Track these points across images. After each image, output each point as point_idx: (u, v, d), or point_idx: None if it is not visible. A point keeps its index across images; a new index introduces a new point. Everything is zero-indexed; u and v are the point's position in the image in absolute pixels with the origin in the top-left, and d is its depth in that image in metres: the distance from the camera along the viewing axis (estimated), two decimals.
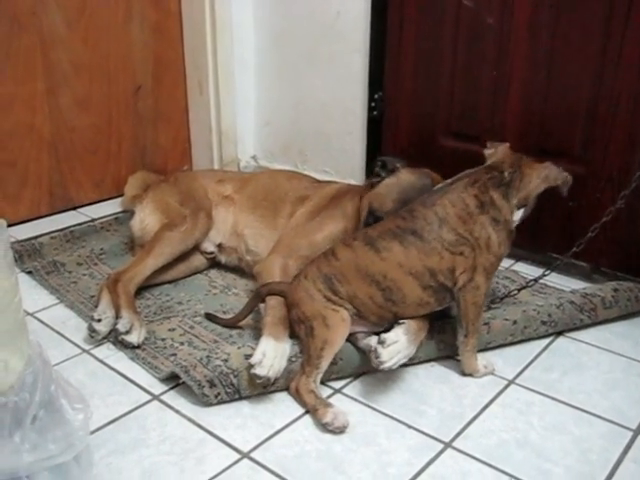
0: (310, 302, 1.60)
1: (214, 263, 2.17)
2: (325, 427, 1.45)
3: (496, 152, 1.71)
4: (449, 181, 1.66)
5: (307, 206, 2.04)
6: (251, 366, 1.50)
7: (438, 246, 1.56)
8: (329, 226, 1.92)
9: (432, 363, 1.68)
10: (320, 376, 1.55)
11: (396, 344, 1.52)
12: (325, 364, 1.55)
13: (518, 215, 1.66)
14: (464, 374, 1.64)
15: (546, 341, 1.78)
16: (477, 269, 1.57)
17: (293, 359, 1.58)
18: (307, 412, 1.51)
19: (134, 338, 1.71)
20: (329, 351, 1.55)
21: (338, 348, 1.57)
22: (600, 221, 1.87)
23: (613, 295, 1.85)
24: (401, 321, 1.58)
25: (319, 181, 2.23)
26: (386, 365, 1.50)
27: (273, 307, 1.67)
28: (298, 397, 1.54)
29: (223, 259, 2.14)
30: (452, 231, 1.56)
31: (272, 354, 1.53)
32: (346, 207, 1.94)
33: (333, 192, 2.06)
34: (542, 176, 1.65)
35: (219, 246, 2.13)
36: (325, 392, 1.57)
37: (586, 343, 1.78)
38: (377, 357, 1.50)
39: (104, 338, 1.76)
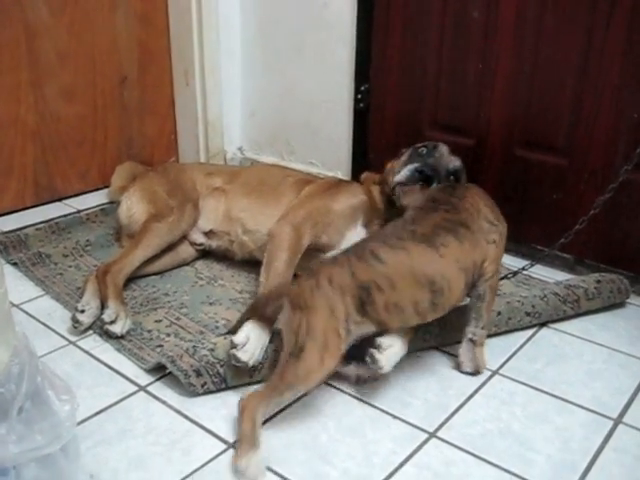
0: (325, 316, 1.38)
1: (201, 255, 2.17)
2: (233, 469, 1.32)
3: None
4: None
5: (315, 184, 2.07)
6: (233, 345, 1.50)
7: (480, 237, 1.54)
8: (346, 196, 1.96)
9: (418, 354, 1.69)
10: (275, 408, 1.44)
11: (392, 348, 1.52)
12: (290, 399, 1.43)
13: None
14: (478, 372, 1.62)
15: (530, 332, 1.80)
16: (499, 257, 1.59)
17: (278, 348, 1.58)
18: (294, 402, 1.51)
19: (117, 328, 1.72)
20: (304, 387, 1.39)
21: (313, 388, 1.43)
22: (588, 214, 1.89)
23: (596, 287, 1.87)
24: None
25: (310, 174, 2.29)
26: (384, 370, 1.50)
27: (268, 287, 1.67)
28: (239, 416, 1.36)
29: (214, 244, 2.13)
30: (485, 219, 1.57)
31: (255, 342, 1.53)
32: (357, 188, 2.01)
33: (338, 180, 2.14)
34: None
35: (209, 232, 2.12)
36: None
37: (569, 334, 1.80)
38: (374, 362, 1.48)
39: (87, 329, 1.76)
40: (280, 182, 2.11)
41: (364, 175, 2.11)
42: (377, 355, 1.49)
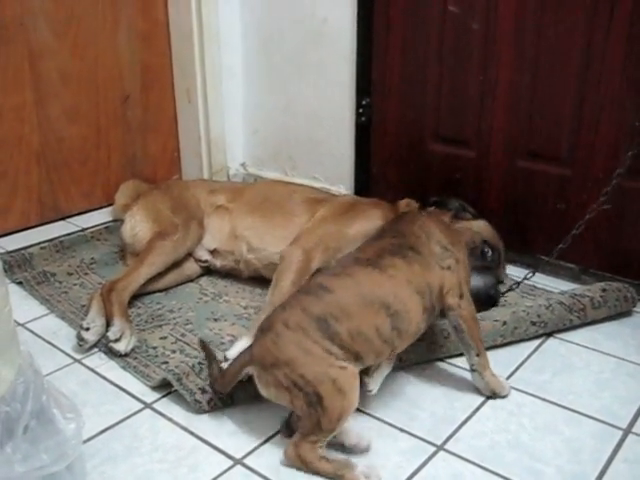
0: (309, 361, 1.32)
1: (205, 271, 2.17)
2: None
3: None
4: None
5: (330, 205, 2.04)
6: (225, 359, 1.51)
7: (432, 260, 1.50)
8: (361, 222, 1.93)
9: (423, 366, 1.68)
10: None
11: (378, 370, 1.52)
12: (338, 431, 1.36)
13: None
14: (495, 396, 1.57)
15: (536, 342, 1.79)
16: (462, 283, 1.53)
17: None
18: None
19: (122, 346, 1.72)
20: (346, 419, 1.34)
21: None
22: (584, 219, 1.90)
23: (602, 295, 1.87)
24: None
25: (317, 189, 2.30)
26: (374, 392, 1.51)
27: (272, 304, 1.67)
28: (305, 467, 1.33)
29: (218, 263, 2.13)
30: (438, 244, 1.53)
31: (384, 370, 1.54)
32: (374, 212, 1.97)
33: (352, 199, 2.11)
34: None
35: (214, 251, 2.12)
36: None
37: (576, 344, 1.79)
38: (363, 386, 1.45)
39: (92, 347, 1.76)
40: (286, 200, 2.11)
41: (405, 201, 2.06)
42: (366, 379, 1.50)
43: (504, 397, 1.57)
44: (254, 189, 2.25)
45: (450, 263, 1.52)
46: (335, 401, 1.31)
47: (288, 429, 1.44)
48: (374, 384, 1.51)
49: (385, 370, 1.54)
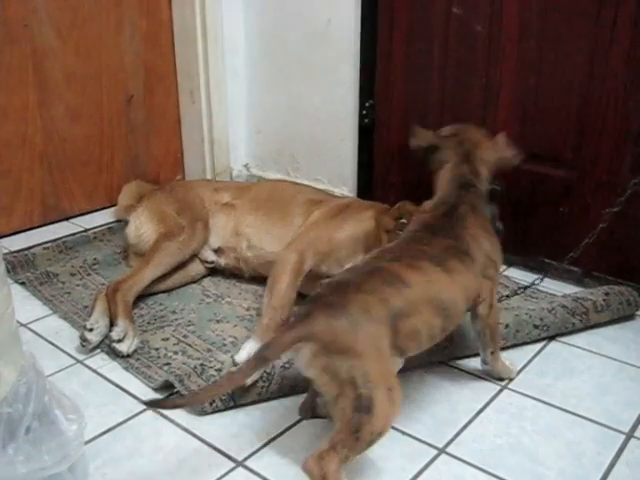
0: (377, 360, 1.22)
1: (210, 272, 2.17)
2: None
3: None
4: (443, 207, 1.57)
5: (325, 207, 2.04)
6: (234, 363, 1.50)
7: (478, 268, 1.47)
8: (351, 226, 1.93)
9: (425, 369, 1.68)
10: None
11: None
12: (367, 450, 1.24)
13: None
14: (502, 379, 1.65)
15: (539, 346, 1.79)
16: (493, 294, 1.54)
17: (286, 365, 1.58)
18: (302, 419, 1.51)
19: (124, 347, 1.72)
20: (383, 435, 1.22)
21: None
22: (597, 227, 1.91)
23: (605, 299, 1.86)
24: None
25: (322, 190, 2.29)
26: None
27: (274, 308, 1.67)
28: None
29: (222, 262, 2.13)
30: (485, 254, 1.50)
31: None
32: (365, 214, 1.96)
33: (349, 202, 2.09)
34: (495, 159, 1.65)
35: (218, 249, 2.12)
36: None
37: (578, 347, 1.79)
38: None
39: (95, 347, 1.76)
40: (289, 200, 2.11)
41: (399, 204, 1.99)
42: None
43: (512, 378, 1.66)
44: (260, 187, 2.26)
45: (491, 273, 1.51)
46: (384, 411, 1.20)
47: (308, 411, 1.45)
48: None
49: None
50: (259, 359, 1.22)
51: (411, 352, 1.35)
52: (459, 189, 1.59)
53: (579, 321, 1.82)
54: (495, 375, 1.66)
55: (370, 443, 1.21)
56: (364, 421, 1.18)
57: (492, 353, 1.61)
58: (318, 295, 1.28)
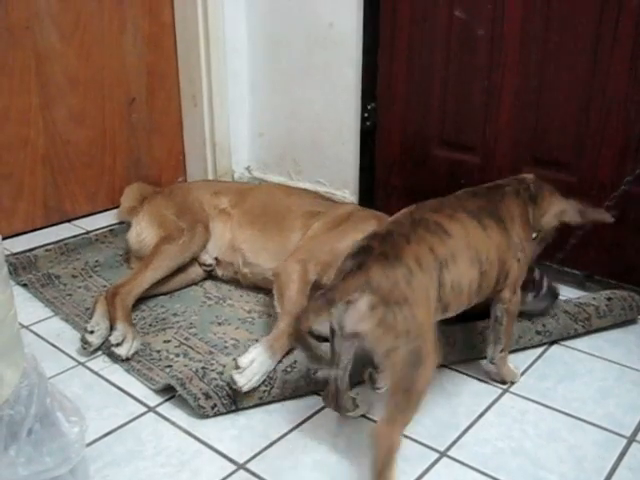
0: (426, 308, 1.22)
1: (210, 275, 2.16)
2: None
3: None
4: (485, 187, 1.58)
5: (325, 219, 2.01)
6: (236, 366, 1.50)
7: (511, 243, 1.47)
8: (352, 237, 1.87)
9: None
10: None
11: (253, 364, 1.52)
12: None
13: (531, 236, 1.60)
14: (504, 383, 1.64)
15: (540, 349, 1.79)
16: (517, 282, 1.53)
17: (288, 369, 1.58)
18: (303, 422, 1.51)
19: (123, 351, 1.71)
20: (426, 393, 1.24)
21: None
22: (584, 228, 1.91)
23: (607, 304, 1.86)
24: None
25: (320, 195, 2.26)
26: (383, 389, 1.49)
27: (289, 313, 1.66)
28: (383, 457, 1.20)
29: (220, 273, 2.14)
30: (517, 233, 1.49)
31: (258, 368, 1.53)
32: (367, 224, 1.89)
33: (349, 211, 2.04)
34: (558, 210, 1.60)
35: (216, 260, 2.13)
36: (320, 402, 1.56)
37: (580, 351, 1.79)
38: (373, 382, 1.48)
39: (96, 350, 1.76)
40: (285, 214, 2.07)
41: None
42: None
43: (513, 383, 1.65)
44: (256, 194, 2.21)
45: (521, 257, 1.51)
46: (431, 362, 1.21)
47: (332, 401, 1.44)
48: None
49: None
50: (328, 300, 1.19)
51: (451, 310, 1.36)
52: (516, 182, 1.59)
53: (581, 327, 1.82)
54: (498, 378, 1.65)
55: (421, 398, 1.22)
56: (415, 374, 1.19)
57: (501, 351, 1.60)
58: (367, 246, 1.27)
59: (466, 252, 1.34)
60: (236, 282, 2.13)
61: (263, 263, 2.02)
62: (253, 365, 1.52)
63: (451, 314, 1.40)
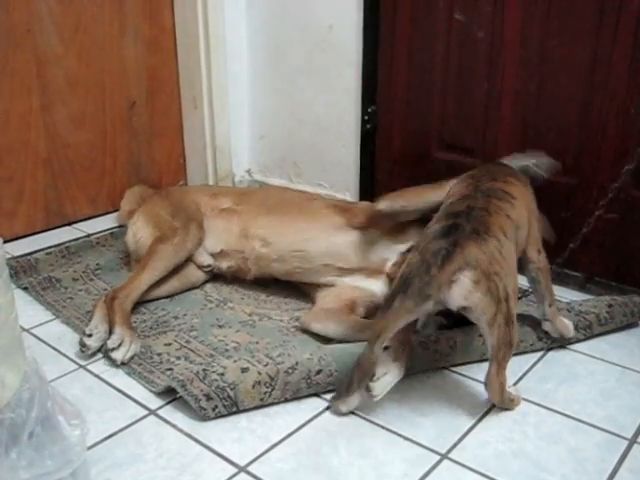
0: (515, 274, 1.42)
1: (210, 277, 2.16)
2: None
3: None
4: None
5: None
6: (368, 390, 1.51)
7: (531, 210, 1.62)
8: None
9: (428, 374, 1.68)
10: None
11: (386, 376, 1.52)
12: None
13: None
14: (562, 338, 1.75)
15: (541, 351, 1.79)
16: (539, 240, 1.65)
17: (290, 371, 1.58)
18: (304, 424, 1.50)
19: (119, 355, 1.71)
20: None
21: None
22: (581, 232, 1.96)
23: (608, 311, 1.84)
24: (385, 347, 1.55)
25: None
26: (378, 398, 1.51)
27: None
28: (500, 394, 1.50)
29: (224, 265, 2.11)
30: (527, 205, 1.60)
31: (391, 378, 1.54)
32: None
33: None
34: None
35: (220, 253, 2.10)
36: (321, 405, 1.57)
37: (581, 353, 1.79)
38: (368, 390, 1.49)
39: (95, 353, 1.76)
40: (307, 205, 2.10)
41: None
42: (371, 384, 1.49)
43: (570, 339, 1.76)
44: (262, 193, 2.25)
45: (539, 218, 1.67)
46: (514, 316, 1.40)
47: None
48: (379, 389, 1.50)
49: (393, 378, 1.53)
50: (423, 296, 1.34)
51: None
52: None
53: (583, 335, 1.81)
54: (556, 334, 1.73)
55: (515, 347, 1.46)
56: (512, 331, 1.40)
57: (550, 305, 1.69)
58: (455, 224, 1.39)
59: (525, 211, 1.52)
60: (241, 274, 2.10)
61: (288, 237, 2.00)
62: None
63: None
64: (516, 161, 1.80)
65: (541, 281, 1.66)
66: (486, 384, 1.50)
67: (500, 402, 1.52)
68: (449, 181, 1.77)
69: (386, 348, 1.53)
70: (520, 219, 1.48)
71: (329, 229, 1.99)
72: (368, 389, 1.49)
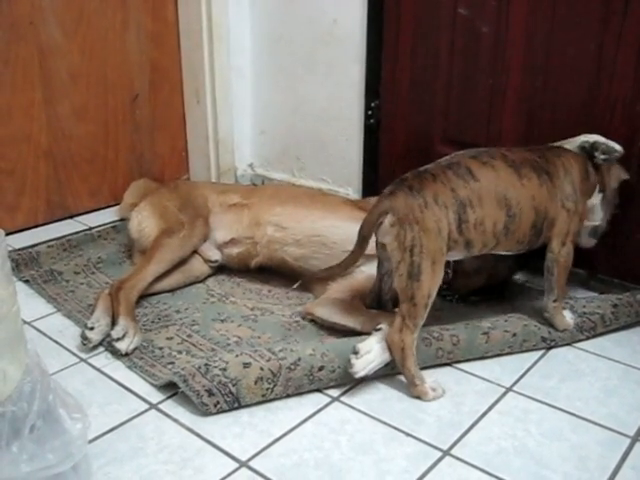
0: (435, 236, 1.50)
1: (214, 272, 2.16)
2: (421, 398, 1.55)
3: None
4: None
5: None
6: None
7: (559, 194, 1.67)
8: None
9: (430, 371, 1.67)
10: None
11: (369, 354, 1.54)
12: (425, 316, 1.53)
13: (598, 198, 1.80)
14: (559, 330, 1.76)
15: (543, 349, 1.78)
16: (569, 235, 1.69)
17: (292, 367, 1.57)
18: (306, 420, 1.50)
19: (123, 345, 1.71)
20: (432, 299, 1.52)
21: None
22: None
23: (612, 312, 1.83)
24: (376, 329, 1.58)
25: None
26: (359, 375, 1.53)
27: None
28: (400, 355, 1.52)
29: (235, 251, 2.11)
30: (571, 184, 1.68)
31: (372, 357, 1.55)
32: None
33: None
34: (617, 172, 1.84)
35: (230, 241, 2.10)
36: (322, 400, 1.57)
37: (583, 350, 1.78)
38: (350, 367, 1.52)
39: (96, 346, 1.76)
40: (320, 197, 2.15)
41: None
42: (353, 360, 1.52)
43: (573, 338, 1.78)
44: (272, 189, 2.28)
45: (571, 207, 1.68)
46: (428, 280, 1.49)
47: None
48: (360, 367, 1.52)
49: (377, 357, 1.54)
50: (361, 238, 1.57)
51: (477, 247, 1.60)
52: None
53: (586, 337, 1.80)
54: (555, 326, 1.76)
55: (425, 306, 1.51)
56: (415, 284, 1.49)
57: (554, 301, 1.72)
58: (403, 178, 1.57)
59: (493, 195, 1.57)
60: (248, 261, 2.10)
61: (305, 222, 2.02)
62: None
63: (477, 251, 1.62)
64: (584, 138, 1.83)
65: (554, 273, 1.71)
66: (388, 343, 1.53)
67: (401, 366, 1.54)
68: None
69: (377, 330, 1.57)
70: (480, 199, 1.55)
71: (347, 219, 1.99)
72: (350, 365, 1.52)
